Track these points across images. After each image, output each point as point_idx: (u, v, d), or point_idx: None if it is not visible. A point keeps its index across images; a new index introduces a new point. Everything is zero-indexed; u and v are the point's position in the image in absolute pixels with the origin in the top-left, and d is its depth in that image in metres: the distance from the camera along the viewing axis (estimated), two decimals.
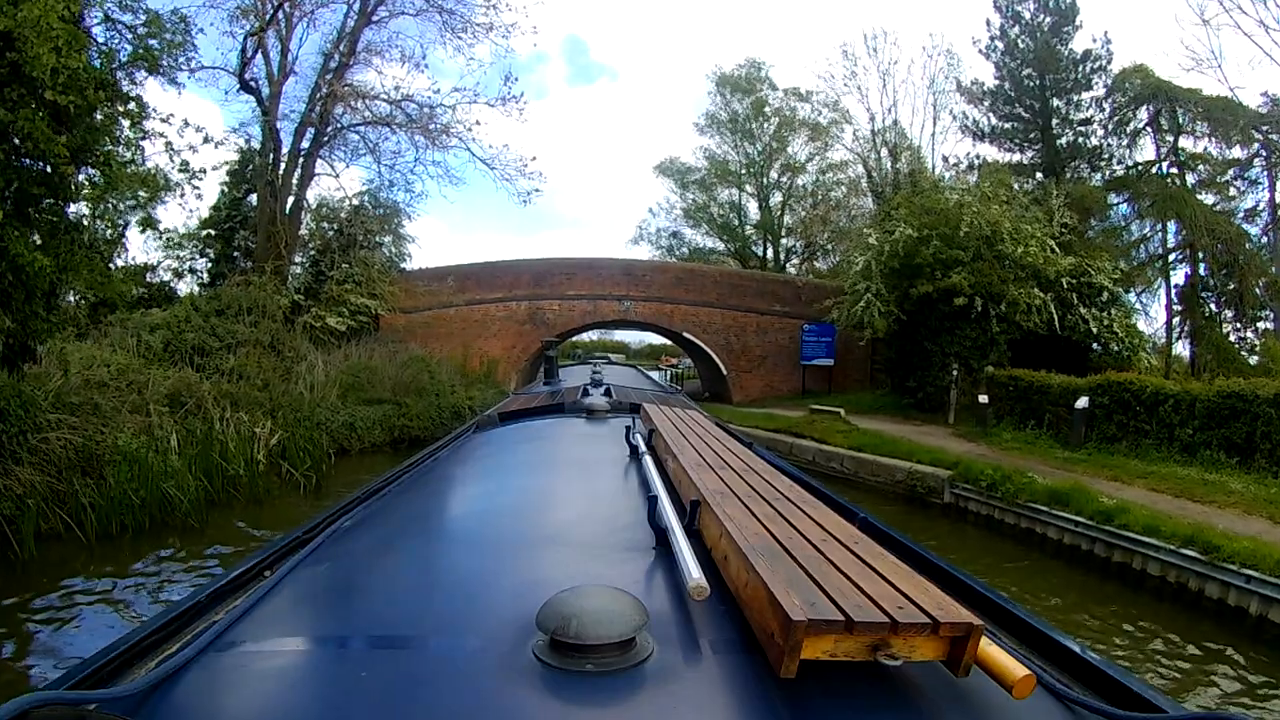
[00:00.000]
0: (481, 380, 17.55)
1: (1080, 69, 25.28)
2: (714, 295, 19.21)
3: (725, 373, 19.20)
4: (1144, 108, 24.15)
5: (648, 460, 2.43)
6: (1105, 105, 24.65)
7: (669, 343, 43.92)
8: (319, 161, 19.04)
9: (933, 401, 15.75)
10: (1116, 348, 17.48)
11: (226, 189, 20.67)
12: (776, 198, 30.02)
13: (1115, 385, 12.54)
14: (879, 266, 14.55)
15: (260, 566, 1.81)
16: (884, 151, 18.33)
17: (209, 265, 20.55)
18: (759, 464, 2.34)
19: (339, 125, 18.25)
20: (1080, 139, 24.44)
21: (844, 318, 15.51)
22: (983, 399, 13.36)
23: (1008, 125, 24.84)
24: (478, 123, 17.38)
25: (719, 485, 1.88)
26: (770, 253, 29.88)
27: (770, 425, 13.33)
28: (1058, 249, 15.93)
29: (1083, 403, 12.59)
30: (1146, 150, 24.78)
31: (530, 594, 1.24)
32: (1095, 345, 17.13)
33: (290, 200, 18.32)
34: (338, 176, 18.99)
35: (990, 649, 1.11)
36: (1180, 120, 23.49)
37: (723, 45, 67.21)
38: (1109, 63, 25.19)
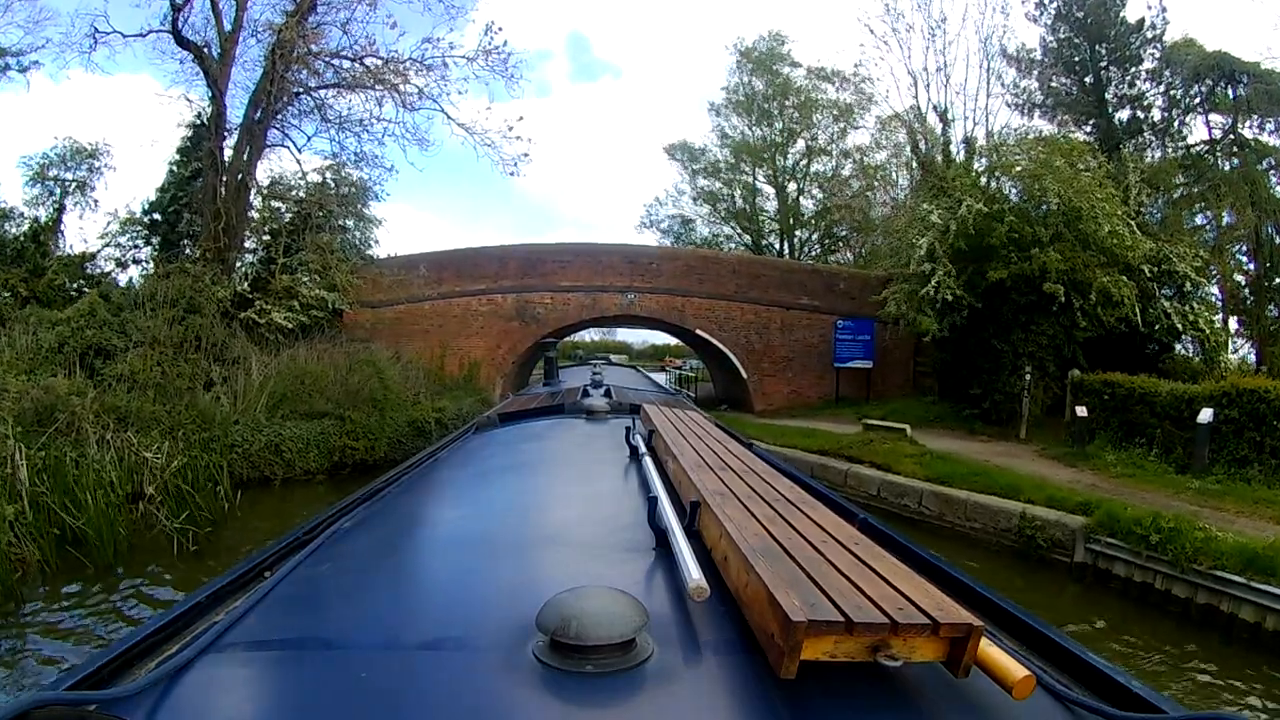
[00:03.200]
0: (461, 386, 14.85)
1: (1134, 39, 23.35)
2: (732, 286, 16.44)
3: (745, 376, 16.42)
4: (1196, 85, 22.61)
5: (648, 461, 2.41)
6: (1160, 80, 22.94)
7: (675, 343, 41.29)
8: (273, 132, 16.47)
9: (1001, 412, 13.05)
10: (1192, 346, 15.36)
11: (175, 168, 18.13)
12: (793, 186, 27.57)
13: (1246, 394, 9.97)
14: (944, 249, 11.83)
15: (260, 566, 1.75)
16: (933, 117, 15.77)
17: (152, 253, 18.02)
18: (759, 465, 2.31)
19: (295, 89, 15.58)
20: (1141, 113, 22.13)
21: (902, 308, 12.72)
22: (1081, 411, 10.67)
23: (1058, 98, 22.44)
24: (443, 60, 14.61)
25: (719, 486, 1.86)
26: (785, 246, 27.30)
27: (812, 445, 10.57)
28: (1138, 231, 13.46)
29: (1206, 416, 10.01)
30: (1199, 130, 23.20)
31: (530, 595, 1.22)
32: (1172, 344, 15.02)
33: (239, 177, 15.71)
34: (300, 150, 16.36)
35: (990, 650, 1.09)
36: (1242, 96, 21.67)
37: (729, 38, 64.89)
38: (1163, 33, 23.37)
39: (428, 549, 2.00)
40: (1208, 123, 23.11)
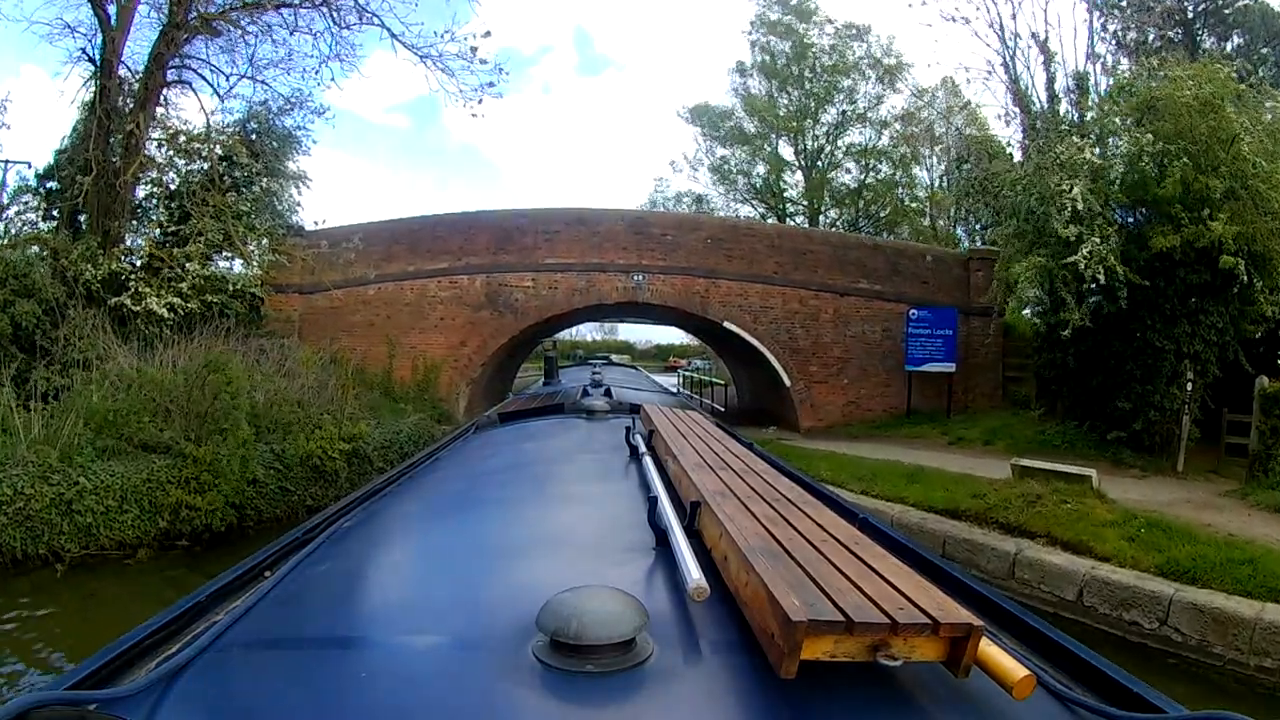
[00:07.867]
0: (412, 397, 11.24)
1: None
2: (770, 265, 12.76)
3: (788, 383, 12.73)
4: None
5: (648, 461, 2.39)
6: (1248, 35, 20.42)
7: (681, 342, 37.39)
8: (185, 72, 12.99)
9: (1155, 435, 9.40)
10: None
11: (81, 125, 14.70)
12: (822, 160, 24.13)
13: None
14: (1099, 200, 8.20)
15: (260, 566, 1.74)
16: (1033, 53, 12.33)
17: (50, 229, 14.64)
18: (759, 464, 2.28)
19: (202, 8, 12.06)
20: (1250, 72, 18.99)
21: (1038, 291, 9.04)
22: None
23: (1146, 51, 19.18)
24: None
25: (719, 486, 1.83)
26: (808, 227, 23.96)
27: (933, 500, 6.64)
28: None
29: None
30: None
31: (530, 594, 1.20)
32: None
33: (130, 128, 12.23)
34: (223, 99, 12.87)
35: (990, 649, 1.07)
36: None
37: (737, 29, 62.20)
38: None
39: (427, 548, 1.97)
40: None
